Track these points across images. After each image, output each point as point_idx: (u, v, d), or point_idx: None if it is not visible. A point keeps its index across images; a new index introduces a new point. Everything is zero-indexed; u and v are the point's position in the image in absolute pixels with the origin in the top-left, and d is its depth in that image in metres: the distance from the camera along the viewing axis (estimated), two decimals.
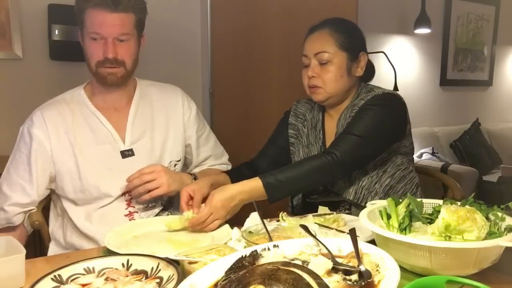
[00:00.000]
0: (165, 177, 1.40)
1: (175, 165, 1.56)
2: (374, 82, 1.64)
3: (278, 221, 1.21)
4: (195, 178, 1.52)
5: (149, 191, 1.39)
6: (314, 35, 1.51)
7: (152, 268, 0.94)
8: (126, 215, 1.44)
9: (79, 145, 1.42)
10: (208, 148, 1.68)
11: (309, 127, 1.60)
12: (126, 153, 1.46)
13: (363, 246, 0.86)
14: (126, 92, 1.51)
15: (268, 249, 0.88)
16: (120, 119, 1.49)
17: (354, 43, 1.50)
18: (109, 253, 1.07)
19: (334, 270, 0.80)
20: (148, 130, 1.52)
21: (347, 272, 0.79)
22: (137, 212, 1.45)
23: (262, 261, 0.84)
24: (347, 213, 1.39)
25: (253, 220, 1.19)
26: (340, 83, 1.48)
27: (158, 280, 0.90)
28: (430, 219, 1.05)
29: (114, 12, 1.33)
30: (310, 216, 1.25)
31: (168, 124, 1.56)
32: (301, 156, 1.58)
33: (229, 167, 1.74)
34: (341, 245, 0.89)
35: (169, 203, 1.53)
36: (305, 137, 1.60)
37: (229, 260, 0.83)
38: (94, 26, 1.35)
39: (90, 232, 1.41)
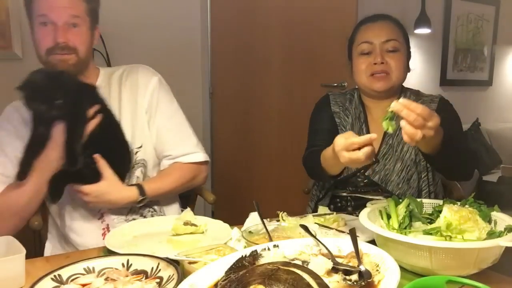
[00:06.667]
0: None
1: (136, 152, 1.44)
2: None
3: (278, 221, 1.21)
4: (140, 188, 1.39)
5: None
6: (378, 24, 1.51)
7: (152, 268, 0.95)
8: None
9: None
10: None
11: (353, 116, 1.58)
12: None
13: (363, 246, 0.86)
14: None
15: (268, 249, 0.88)
16: None
17: (408, 41, 1.54)
18: (109, 253, 1.07)
19: (334, 270, 0.80)
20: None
21: (347, 272, 0.79)
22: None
23: (262, 261, 0.84)
24: (347, 213, 1.39)
25: (253, 220, 1.19)
26: (403, 74, 1.51)
27: (158, 280, 0.90)
28: (430, 219, 1.05)
29: None
30: (310, 216, 1.25)
31: (136, 107, 1.45)
32: None
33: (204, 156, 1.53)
34: (341, 245, 0.89)
35: (151, 202, 1.46)
36: (349, 126, 1.57)
37: (229, 260, 0.83)
38: (42, 9, 1.28)
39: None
